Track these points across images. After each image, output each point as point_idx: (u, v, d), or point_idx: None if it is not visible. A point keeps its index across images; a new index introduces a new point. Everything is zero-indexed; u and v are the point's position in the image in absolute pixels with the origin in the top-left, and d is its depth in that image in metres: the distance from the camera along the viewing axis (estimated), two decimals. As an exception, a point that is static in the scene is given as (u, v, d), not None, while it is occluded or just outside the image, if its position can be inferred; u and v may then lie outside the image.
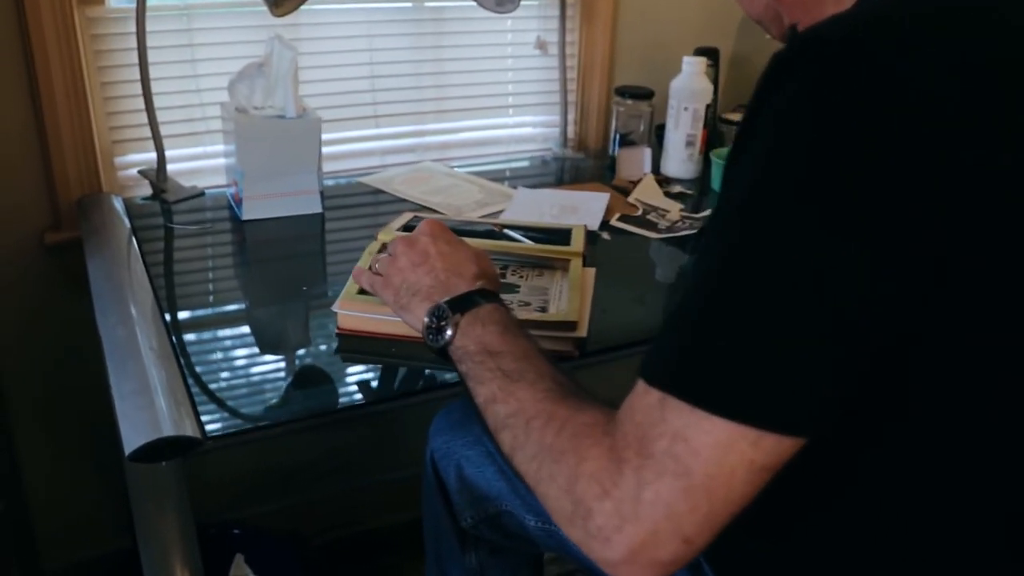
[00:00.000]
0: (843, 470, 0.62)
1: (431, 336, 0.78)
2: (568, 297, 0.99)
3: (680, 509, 0.53)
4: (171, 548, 0.92)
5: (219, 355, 0.97)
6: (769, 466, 0.53)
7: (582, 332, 0.94)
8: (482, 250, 0.89)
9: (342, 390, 0.92)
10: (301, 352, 0.98)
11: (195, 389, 0.87)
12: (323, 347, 0.99)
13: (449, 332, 0.76)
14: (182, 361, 0.91)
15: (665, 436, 0.53)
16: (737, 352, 0.53)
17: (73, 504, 1.54)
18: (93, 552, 1.58)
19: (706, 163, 1.58)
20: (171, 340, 0.94)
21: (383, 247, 1.09)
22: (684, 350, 0.55)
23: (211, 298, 1.12)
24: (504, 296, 0.99)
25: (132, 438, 0.76)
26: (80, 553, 1.57)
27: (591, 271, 1.09)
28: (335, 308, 0.96)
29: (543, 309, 0.99)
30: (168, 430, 0.77)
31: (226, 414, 0.85)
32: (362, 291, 0.98)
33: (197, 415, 0.82)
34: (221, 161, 1.42)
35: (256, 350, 0.99)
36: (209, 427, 0.81)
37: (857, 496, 0.62)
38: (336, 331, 0.97)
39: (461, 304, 0.78)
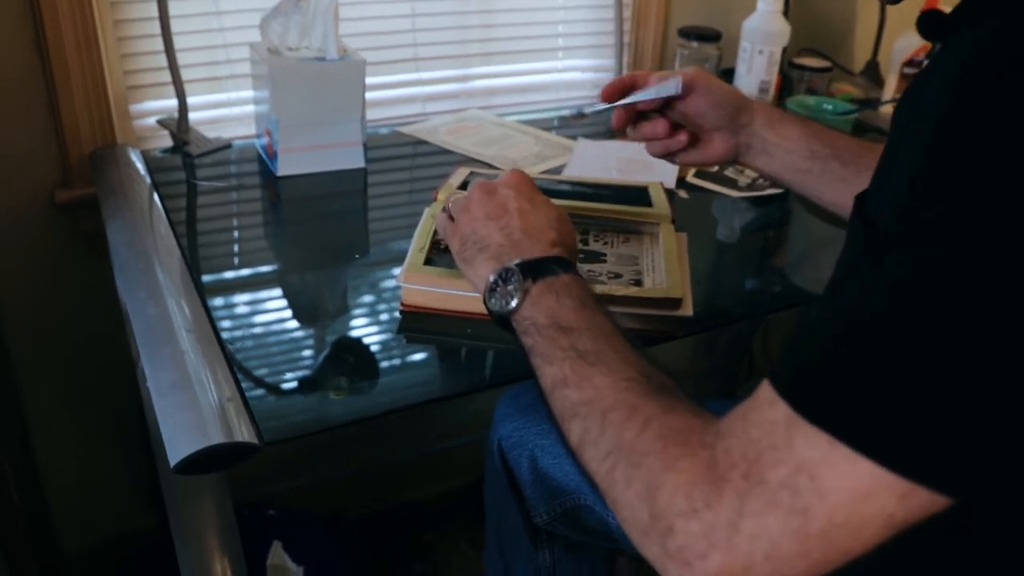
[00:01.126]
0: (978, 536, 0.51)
1: (495, 300, 0.67)
2: (666, 268, 0.86)
3: (786, 552, 0.45)
4: (209, 541, 0.81)
5: (264, 335, 0.84)
6: (908, 523, 0.44)
7: (687, 310, 0.81)
8: (566, 214, 0.77)
9: (408, 376, 0.80)
10: (356, 329, 0.85)
11: (243, 381, 0.74)
12: (381, 322, 0.86)
13: (517, 299, 0.66)
14: (226, 347, 0.78)
15: (786, 464, 0.45)
16: (905, 386, 0.42)
17: (92, 484, 1.43)
18: (115, 532, 1.47)
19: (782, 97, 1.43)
20: (209, 319, 0.81)
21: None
22: (835, 369, 0.44)
23: (246, 266, 0.99)
24: (590, 267, 0.87)
25: (178, 446, 0.64)
26: (102, 534, 1.46)
27: (683, 237, 0.95)
28: (399, 281, 0.83)
29: (637, 282, 0.86)
30: (219, 436, 0.65)
31: (281, 410, 0.73)
32: (429, 260, 0.85)
33: (251, 414, 0.69)
34: (248, 109, 1.27)
35: (304, 328, 0.86)
36: (265, 427, 0.68)
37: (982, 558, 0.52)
38: (400, 308, 0.84)
39: (535, 269, 0.67)
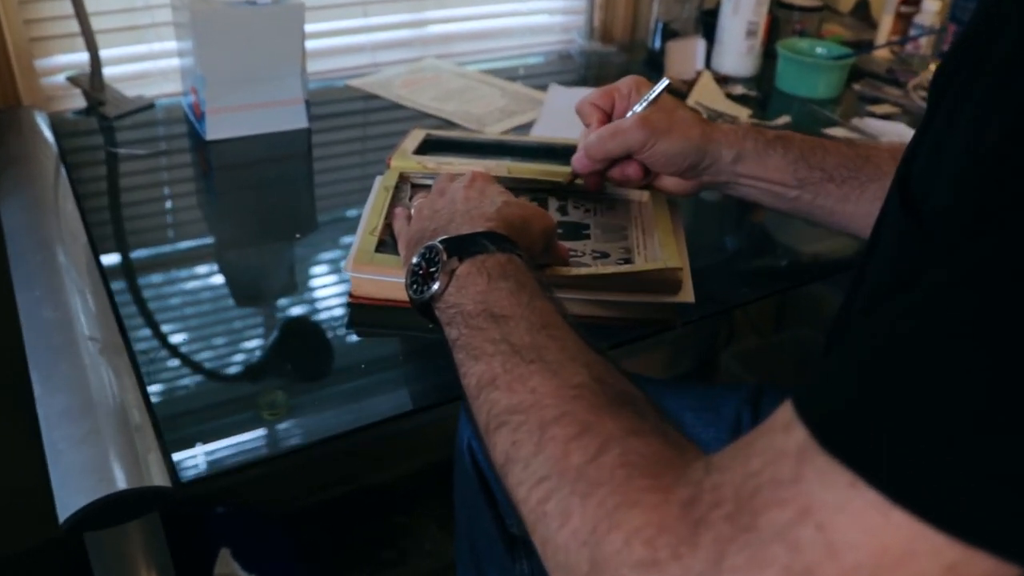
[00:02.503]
0: None
1: (415, 285, 0.57)
2: (660, 242, 0.74)
3: None
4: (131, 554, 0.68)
5: (186, 340, 0.70)
6: None
7: (688, 295, 0.70)
8: (530, 206, 0.65)
9: (361, 386, 0.67)
10: (297, 326, 0.73)
11: (157, 402, 0.61)
12: (328, 316, 0.73)
13: (439, 282, 0.55)
14: (137, 359, 0.65)
15: (788, 506, 0.33)
16: (968, 422, 0.31)
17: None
18: (26, 544, 1.34)
19: (768, 58, 1.30)
20: (119, 323, 0.68)
21: (402, 181, 0.82)
22: (876, 393, 0.33)
23: (168, 253, 0.85)
24: (572, 244, 0.75)
25: (68, 496, 0.51)
26: (13, 548, 1.33)
27: (676, 207, 0.83)
28: (347, 270, 0.70)
29: (626, 261, 0.74)
30: (123, 481, 0.52)
31: (204, 436, 0.60)
32: (382, 244, 0.72)
33: (165, 449, 0.56)
34: (175, 63, 1.12)
35: (234, 328, 0.73)
36: (184, 465, 0.56)
37: None
38: (348, 299, 0.72)
39: (461, 247, 0.56)
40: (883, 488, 0.31)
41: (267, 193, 0.94)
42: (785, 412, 0.35)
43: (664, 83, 0.74)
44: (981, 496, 0.30)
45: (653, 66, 1.32)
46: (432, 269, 0.56)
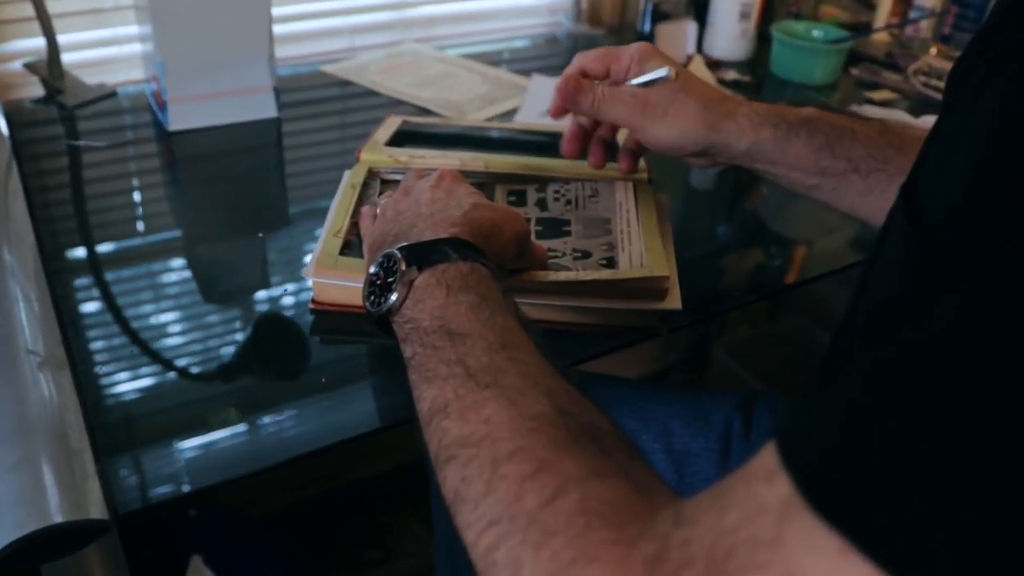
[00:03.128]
0: None
1: (372, 297, 0.53)
2: (645, 243, 0.69)
3: None
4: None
5: (137, 351, 0.66)
6: None
7: (674, 302, 0.65)
8: (501, 208, 0.60)
9: (324, 400, 0.63)
10: (255, 332, 0.68)
11: (100, 422, 0.57)
12: (292, 321, 0.69)
13: (396, 293, 0.50)
14: (82, 378, 0.60)
15: (769, 571, 0.29)
16: (991, 489, 0.26)
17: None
18: None
19: (762, 41, 1.25)
20: (63, 334, 0.63)
21: (371, 176, 0.78)
22: (875, 443, 0.28)
23: (121, 254, 0.80)
24: (551, 243, 0.70)
25: (-8, 533, 0.46)
26: None
27: (663, 201, 0.78)
28: (308, 275, 0.66)
29: (609, 261, 0.69)
30: (57, 514, 0.48)
31: (149, 460, 0.55)
32: (348, 246, 0.67)
33: (105, 477, 0.52)
34: (138, 48, 1.07)
35: (189, 334, 0.68)
36: (127, 495, 0.51)
37: None
38: (311, 306, 0.67)
39: (421, 254, 0.52)
40: (879, 559, 0.26)
41: (234, 187, 0.89)
42: (768, 457, 0.30)
43: (661, 72, 0.68)
44: (995, 574, 0.26)
45: (642, 50, 1.27)
46: (390, 279, 0.51)
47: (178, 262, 0.77)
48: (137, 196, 0.90)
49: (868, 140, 0.67)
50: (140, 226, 0.84)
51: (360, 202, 0.73)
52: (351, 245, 0.68)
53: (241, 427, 0.58)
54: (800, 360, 1.65)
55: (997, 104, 0.37)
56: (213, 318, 0.70)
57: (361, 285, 0.63)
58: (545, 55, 1.34)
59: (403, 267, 0.51)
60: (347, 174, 0.78)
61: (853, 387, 0.31)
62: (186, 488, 0.53)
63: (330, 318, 0.67)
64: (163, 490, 0.53)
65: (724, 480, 0.32)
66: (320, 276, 0.65)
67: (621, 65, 0.70)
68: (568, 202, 0.76)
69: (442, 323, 0.47)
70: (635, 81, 0.69)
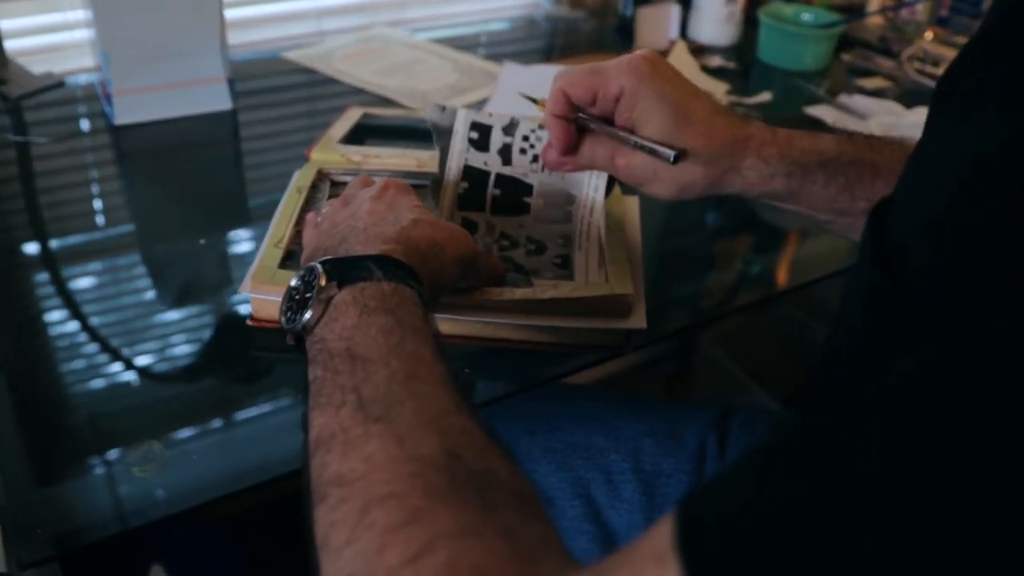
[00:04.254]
0: None
1: (288, 312, 0.48)
2: (609, 253, 0.64)
3: None
4: None
5: (59, 376, 0.61)
6: None
7: (639, 320, 0.60)
8: (444, 224, 0.54)
9: (261, 427, 0.58)
10: (188, 353, 0.63)
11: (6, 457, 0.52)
12: (228, 341, 0.64)
13: (310, 311, 0.46)
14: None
15: None
16: None
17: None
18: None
19: (749, 25, 1.20)
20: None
21: (320, 178, 0.72)
22: (784, 545, 0.24)
23: (51, 263, 0.75)
24: (507, 222, 0.65)
25: None
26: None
27: (632, 203, 0.73)
28: (243, 291, 0.61)
29: (564, 260, 0.64)
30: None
31: (58, 502, 0.51)
32: (290, 257, 0.62)
33: (5, 525, 0.47)
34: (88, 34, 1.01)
35: (118, 354, 0.63)
36: (29, 545, 0.47)
37: None
38: (248, 322, 0.62)
39: (342, 270, 0.47)
40: None
41: (188, 184, 0.84)
42: (661, 535, 0.27)
43: (667, 155, 0.57)
44: None
45: (624, 33, 1.21)
46: (308, 295, 0.46)
47: (126, 262, 0.72)
48: (82, 195, 0.84)
49: (890, 173, 0.59)
50: (84, 227, 0.79)
51: (307, 207, 0.68)
52: (294, 256, 0.63)
53: (176, 452, 0.53)
54: (791, 352, 1.61)
55: (992, 123, 0.32)
56: (140, 336, 0.65)
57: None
58: (524, 38, 1.28)
59: (322, 282, 0.46)
60: (296, 175, 0.73)
61: (764, 463, 0.27)
62: (97, 534, 0.48)
63: (271, 335, 0.62)
64: (71, 536, 0.48)
65: (613, 555, 0.29)
66: (257, 292, 0.60)
67: (609, 93, 0.58)
68: (535, 158, 0.66)
69: (348, 345, 0.42)
70: (633, 141, 0.58)
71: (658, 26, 1.14)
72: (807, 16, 1.16)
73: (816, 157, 0.58)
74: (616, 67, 0.58)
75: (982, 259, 0.30)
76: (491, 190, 0.65)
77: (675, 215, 0.84)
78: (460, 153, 0.65)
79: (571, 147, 0.60)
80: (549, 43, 1.29)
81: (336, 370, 0.41)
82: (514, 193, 0.66)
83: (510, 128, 0.65)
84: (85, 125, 0.93)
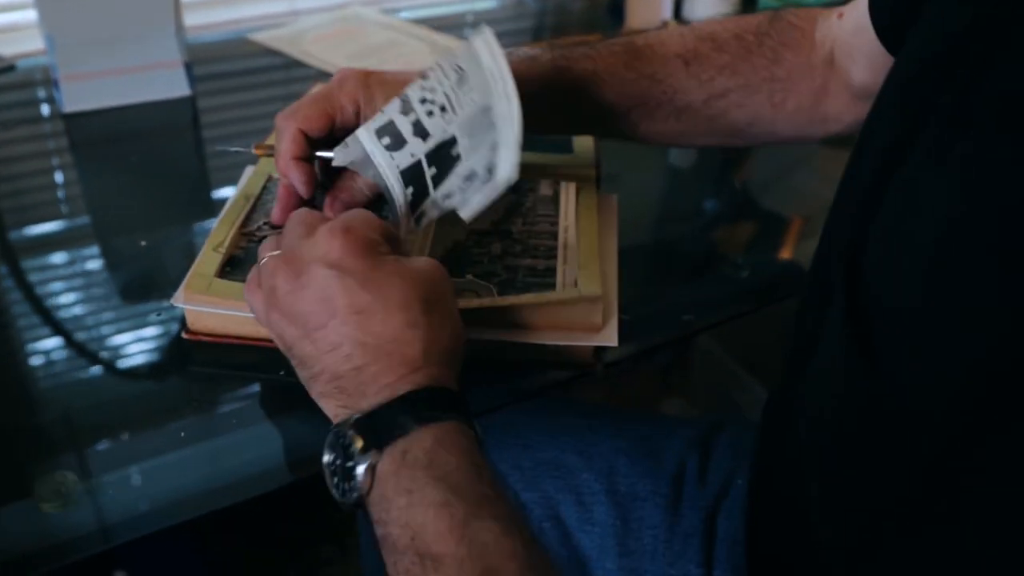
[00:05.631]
0: None
1: (337, 481, 0.42)
2: (580, 260, 0.58)
3: None
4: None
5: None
6: None
7: (609, 337, 0.55)
8: (447, 293, 0.47)
9: (191, 455, 0.53)
10: (115, 372, 0.58)
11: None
12: (159, 358, 0.59)
13: (361, 484, 0.40)
14: None
15: None
16: None
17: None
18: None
19: (747, 6, 1.13)
20: None
21: (270, 182, 0.66)
22: None
23: (9, 255, 0.70)
24: (446, 185, 0.58)
25: None
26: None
27: (611, 203, 0.68)
28: (177, 301, 0.55)
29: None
30: None
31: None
32: (231, 263, 0.57)
33: None
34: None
35: (40, 373, 0.58)
36: None
37: None
38: (183, 335, 0.57)
39: (377, 430, 0.41)
40: None
41: (142, 176, 0.78)
42: None
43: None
44: None
45: (615, 15, 1.15)
46: (349, 463, 0.41)
47: (71, 257, 0.67)
48: (27, 187, 0.79)
49: (615, 80, 0.60)
50: (24, 221, 0.74)
51: (253, 214, 0.62)
52: (236, 261, 0.57)
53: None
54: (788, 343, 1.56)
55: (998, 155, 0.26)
56: (100, 322, 0.60)
57: (239, 314, 0.53)
58: (512, 18, 1.23)
59: (359, 445, 0.41)
60: (248, 171, 0.67)
61: None
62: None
63: (209, 349, 0.56)
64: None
65: None
66: (192, 303, 0.55)
67: (347, 113, 0.56)
68: (443, 108, 0.55)
69: (411, 539, 0.38)
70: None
71: (650, 6, 1.08)
72: (808, -4, 1.09)
73: (537, 84, 0.58)
74: (338, 86, 0.56)
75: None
76: (428, 174, 0.56)
77: (657, 211, 0.79)
78: (388, 166, 0.56)
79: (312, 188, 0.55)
80: (538, 23, 1.23)
81: (407, 571, 0.38)
82: (447, 159, 0.56)
83: (405, 107, 0.55)
84: (33, 112, 0.88)
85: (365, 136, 0.55)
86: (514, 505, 0.41)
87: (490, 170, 0.53)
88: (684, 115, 0.63)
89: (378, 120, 0.55)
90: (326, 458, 0.43)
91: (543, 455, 0.66)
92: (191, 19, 0.97)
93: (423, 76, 0.56)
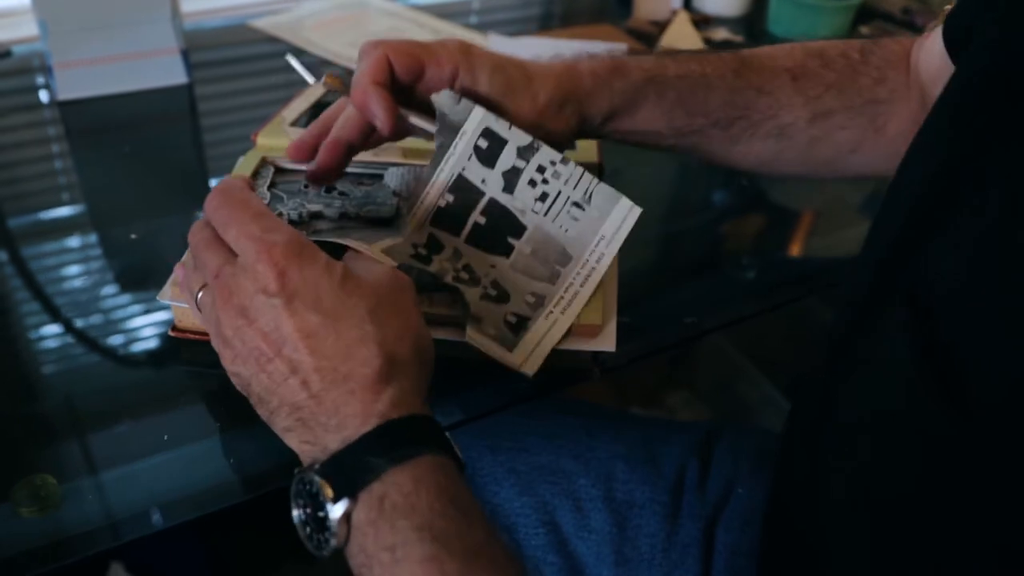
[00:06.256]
0: None
1: (310, 532, 0.39)
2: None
3: None
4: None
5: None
6: None
7: (607, 342, 0.53)
8: (404, 288, 0.44)
9: (181, 457, 0.52)
10: (101, 370, 0.57)
11: None
12: (150, 354, 0.57)
13: (335, 537, 0.38)
14: None
15: None
16: None
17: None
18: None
19: (759, -5, 1.11)
20: None
21: (263, 165, 0.65)
22: None
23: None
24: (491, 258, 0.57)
25: None
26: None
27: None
28: (163, 298, 0.54)
29: (517, 323, 0.56)
30: None
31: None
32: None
33: None
34: None
35: (27, 369, 0.57)
36: None
37: None
38: (170, 332, 0.55)
39: (344, 475, 0.38)
40: None
41: (135, 165, 0.77)
42: None
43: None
44: None
45: (623, 3, 1.12)
46: (320, 513, 0.38)
47: (64, 247, 0.66)
48: (22, 175, 0.78)
49: (723, 84, 0.59)
50: (17, 211, 0.72)
51: None
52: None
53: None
54: (797, 337, 1.53)
55: None
56: (95, 311, 0.59)
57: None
58: (519, 5, 1.20)
59: (328, 493, 0.37)
60: (240, 162, 0.66)
61: None
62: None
63: (197, 347, 0.55)
64: None
65: None
66: (179, 299, 0.53)
67: (443, 70, 0.52)
68: (544, 197, 0.54)
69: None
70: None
71: (659, -5, 1.05)
72: (822, -15, 1.06)
73: (640, 72, 0.57)
74: (440, 44, 0.53)
75: None
76: (476, 215, 0.54)
77: (661, 206, 0.77)
78: (459, 158, 0.54)
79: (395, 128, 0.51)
80: (546, 11, 1.21)
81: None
82: (501, 228, 0.54)
83: (527, 151, 0.53)
84: (28, 99, 0.86)
85: (477, 117, 0.53)
86: (506, 545, 0.38)
87: (517, 323, 0.52)
88: (786, 133, 0.60)
89: (501, 126, 0.53)
90: (295, 512, 0.39)
91: (539, 459, 0.64)
92: (191, 5, 0.96)
93: (564, 160, 0.54)
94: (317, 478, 0.38)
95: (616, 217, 0.54)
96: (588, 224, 0.54)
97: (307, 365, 0.40)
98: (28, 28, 0.95)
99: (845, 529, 0.40)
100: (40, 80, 0.87)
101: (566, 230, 0.54)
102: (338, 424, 0.39)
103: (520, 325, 0.53)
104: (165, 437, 0.50)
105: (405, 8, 1.06)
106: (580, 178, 0.54)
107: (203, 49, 0.91)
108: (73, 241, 0.69)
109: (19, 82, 0.89)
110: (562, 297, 0.54)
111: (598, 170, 0.66)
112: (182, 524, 0.47)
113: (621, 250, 0.58)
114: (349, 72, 0.90)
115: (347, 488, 0.37)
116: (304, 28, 0.98)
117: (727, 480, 0.62)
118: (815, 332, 1.47)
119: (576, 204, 0.54)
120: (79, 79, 0.81)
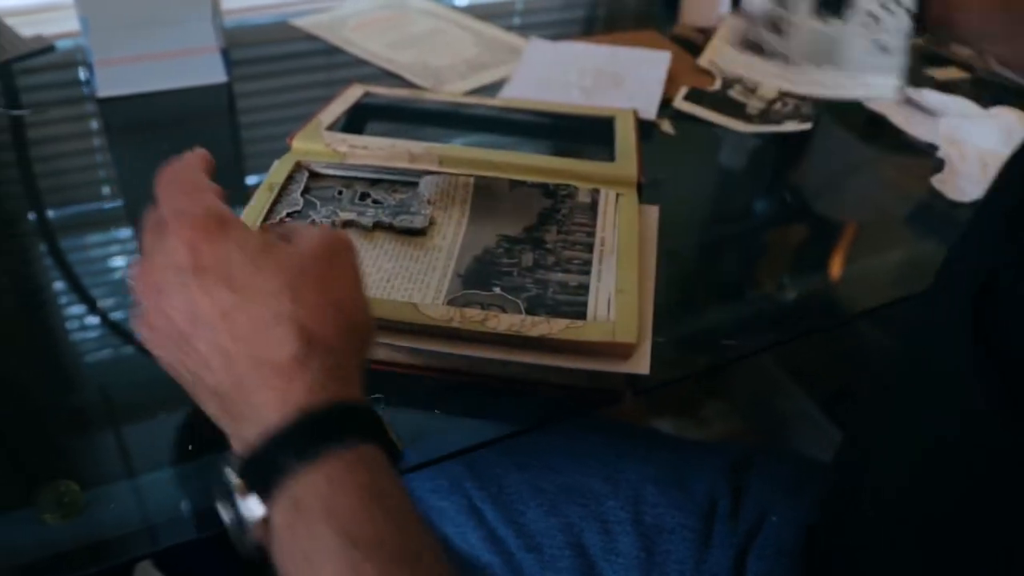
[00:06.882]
0: None
1: (235, 531, 0.36)
2: (616, 284, 0.55)
3: None
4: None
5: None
6: None
7: (641, 365, 0.51)
8: (336, 278, 0.40)
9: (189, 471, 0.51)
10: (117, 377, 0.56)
11: None
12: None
13: (254, 533, 0.35)
14: None
15: None
16: None
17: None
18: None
19: (811, 0, 1.08)
20: None
21: (297, 170, 0.64)
22: None
23: (38, 237, 0.69)
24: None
25: None
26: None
27: (652, 214, 0.64)
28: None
29: (582, 287, 0.55)
30: None
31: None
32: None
33: None
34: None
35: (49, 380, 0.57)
36: None
37: None
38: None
39: (260, 476, 0.35)
40: None
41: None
42: None
43: None
44: None
45: (669, 7, 1.10)
46: (243, 513, 0.36)
47: (104, 239, 0.66)
48: (53, 173, 0.78)
49: None
50: (59, 203, 0.73)
51: (280, 197, 0.60)
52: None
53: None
54: (835, 350, 1.50)
55: None
56: (71, 347, 0.58)
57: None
58: (563, 7, 1.18)
59: (241, 493, 0.35)
60: (275, 166, 0.65)
61: None
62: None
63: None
64: None
65: None
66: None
67: None
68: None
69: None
70: None
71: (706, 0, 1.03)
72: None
73: None
74: None
75: None
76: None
77: (701, 221, 0.75)
78: None
79: None
80: (590, 14, 1.19)
81: None
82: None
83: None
84: (70, 93, 0.86)
85: None
86: (439, 549, 0.35)
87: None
88: None
89: None
90: (220, 511, 0.36)
91: (567, 479, 0.63)
92: (233, 2, 0.95)
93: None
94: (234, 476, 0.35)
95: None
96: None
97: (224, 348, 0.36)
98: (71, 23, 0.96)
99: (892, 551, 0.38)
100: (79, 75, 0.87)
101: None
102: (254, 415, 0.36)
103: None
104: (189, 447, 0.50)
105: (447, 9, 1.05)
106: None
107: (243, 46, 0.90)
108: (111, 235, 0.69)
109: (62, 76, 0.89)
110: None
111: (637, 189, 0.64)
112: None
113: (658, 267, 0.56)
114: (383, 72, 0.89)
115: (262, 488, 0.34)
116: (345, 27, 0.97)
117: (760, 508, 0.60)
118: (855, 347, 1.44)
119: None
120: (119, 76, 0.81)
